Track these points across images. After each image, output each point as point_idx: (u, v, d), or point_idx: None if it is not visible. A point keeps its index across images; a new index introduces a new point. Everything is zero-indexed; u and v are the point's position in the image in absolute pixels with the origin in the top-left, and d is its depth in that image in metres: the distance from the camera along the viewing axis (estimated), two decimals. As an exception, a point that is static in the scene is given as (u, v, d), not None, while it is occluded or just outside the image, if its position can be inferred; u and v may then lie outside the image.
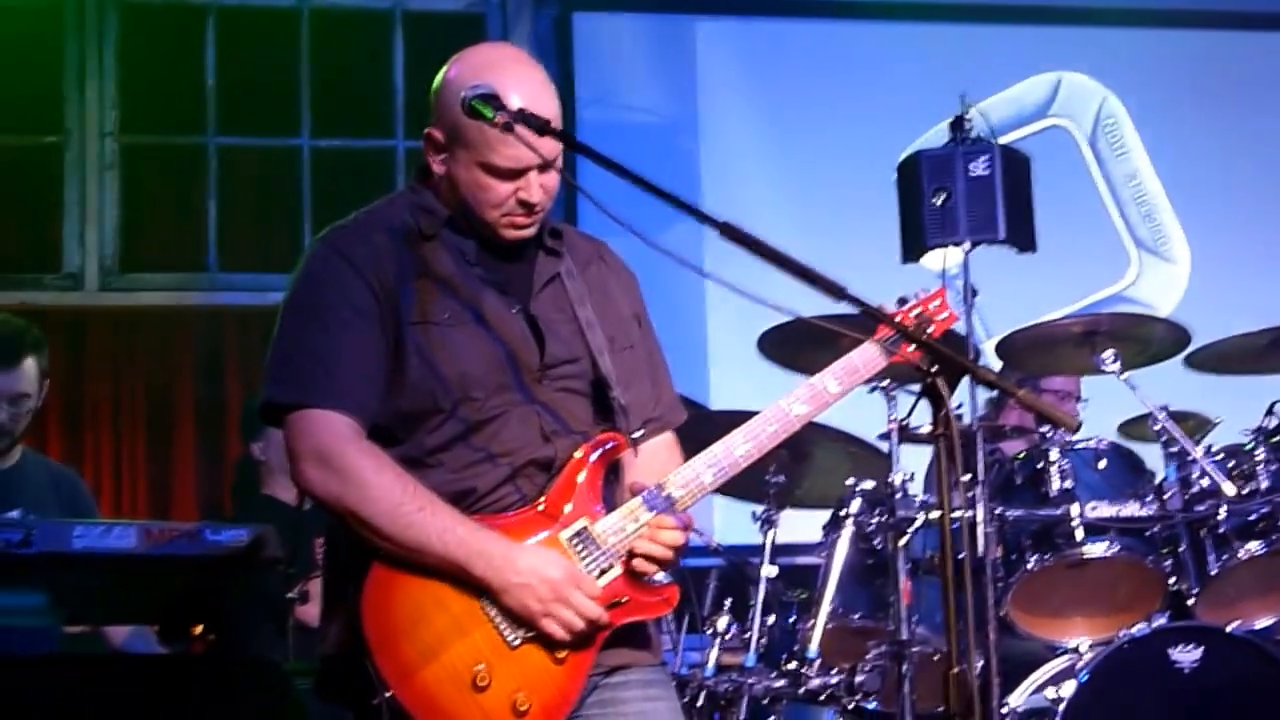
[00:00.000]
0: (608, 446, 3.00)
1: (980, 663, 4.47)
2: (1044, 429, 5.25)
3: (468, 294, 2.98)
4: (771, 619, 5.13)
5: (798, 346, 4.93)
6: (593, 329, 3.04)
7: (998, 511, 5.03)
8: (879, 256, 5.50)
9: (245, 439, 6.12)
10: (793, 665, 4.96)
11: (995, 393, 6.13)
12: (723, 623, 5.07)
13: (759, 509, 5.17)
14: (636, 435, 3.04)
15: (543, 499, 2.95)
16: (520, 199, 2.95)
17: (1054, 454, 5.16)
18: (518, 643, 2.88)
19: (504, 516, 2.93)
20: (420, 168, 3.08)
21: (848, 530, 5.15)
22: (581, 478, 2.96)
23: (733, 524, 5.97)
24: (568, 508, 2.95)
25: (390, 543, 2.84)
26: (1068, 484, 5.13)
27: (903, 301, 3.18)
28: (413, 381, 2.93)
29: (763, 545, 5.11)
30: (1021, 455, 5.28)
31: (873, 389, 4.87)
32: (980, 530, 4.80)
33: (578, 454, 2.97)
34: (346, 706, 2.92)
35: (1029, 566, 5.09)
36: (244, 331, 7.43)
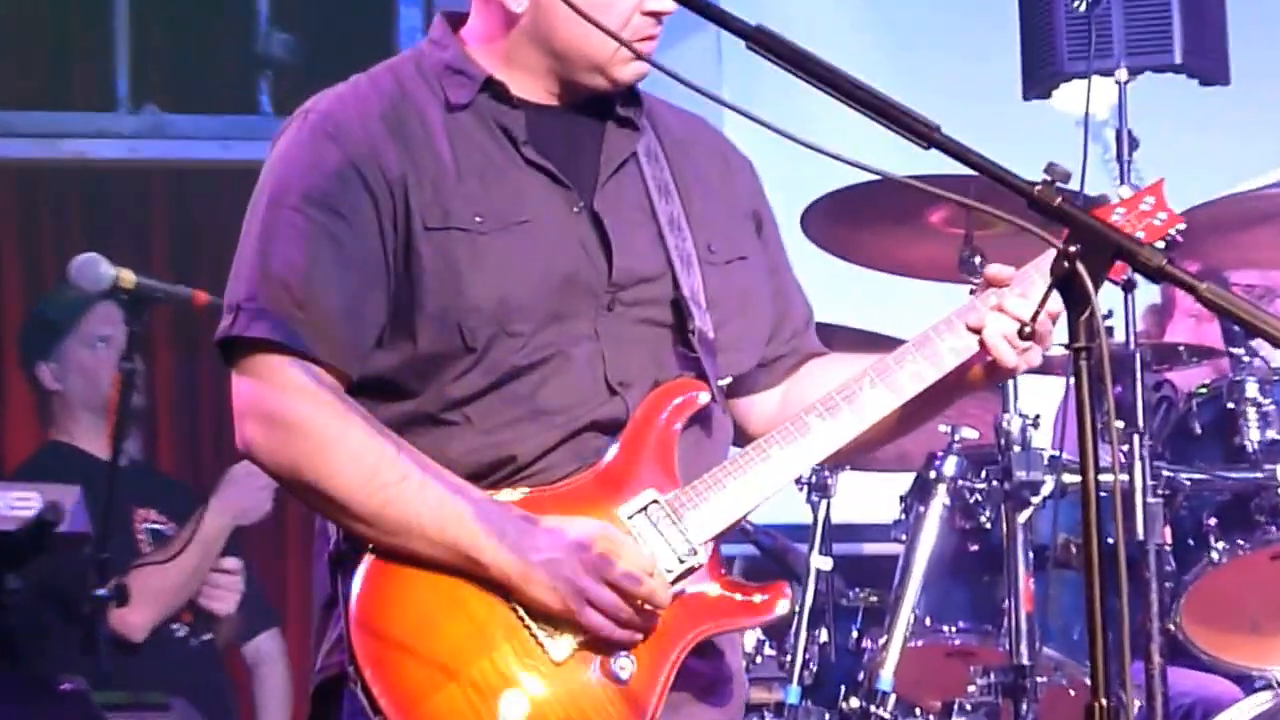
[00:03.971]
0: (677, 401, 2.74)
1: (1139, 702, 4.06)
2: (1237, 349, 4.63)
3: (510, 186, 2.73)
4: (824, 634, 4.57)
5: (850, 223, 4.43)
6: (679, 231, 2.81)
7: (1167, 474, 4.45)
8: (990, 92, 5.14)
9: (27, 360, 5.29)
10: (856, 704, 4.40)
11: (1159, 298, 5.46)
12: (750, 641, 4.43)
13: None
14: (724, 383, 2.79)
15: (599, 467, 2.75)
16: (648, 8, 2.74)
17: (1251, 389, 4.57)
18: (564, 655, 2.63)
19: (548, 489, 2.71)
20: (445, 15, 2.88)
21: (939, 502, 4.55)
22: (650, 440, 2.75)
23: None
24: (630, 478, 2.74)
25: (366, 525, 2.62)
26: (1272, 434, 4.56)
27: (1060, 178, 2.38)
28: (431, 311, 2.68)
29: (812, 524, 4.55)
30: (1203, 391, 4.72)
31: (974, 289, 4.31)
32: (1140, 502, 4.22)
33: (638, 412, 2.75)
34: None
35: (1214, 557, 4.56)
36: (25, 194, 6.29)
